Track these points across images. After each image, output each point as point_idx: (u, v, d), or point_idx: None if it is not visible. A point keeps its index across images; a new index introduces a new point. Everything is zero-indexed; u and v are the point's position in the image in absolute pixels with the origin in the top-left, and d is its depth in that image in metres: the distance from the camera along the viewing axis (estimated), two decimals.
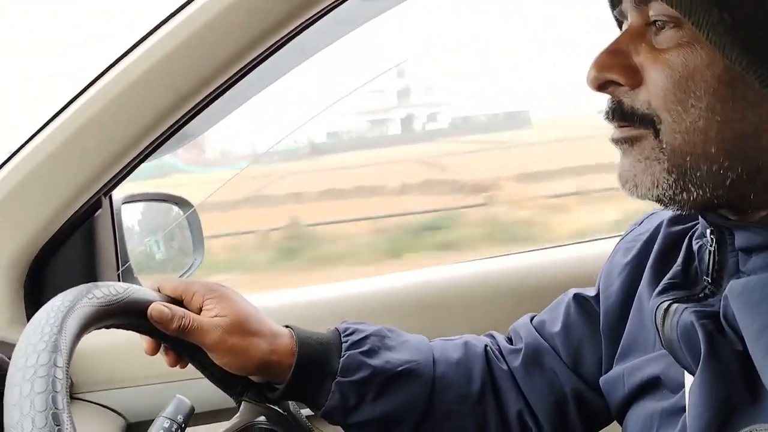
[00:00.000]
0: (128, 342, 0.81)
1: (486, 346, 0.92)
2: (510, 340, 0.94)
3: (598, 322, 0.85)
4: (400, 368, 0.85)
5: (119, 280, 1.22)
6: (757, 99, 0.57)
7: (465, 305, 1.24)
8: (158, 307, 0.76)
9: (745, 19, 0.55)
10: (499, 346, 0.93)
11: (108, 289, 0.73)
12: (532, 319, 0.94)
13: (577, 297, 0.89)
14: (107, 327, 0.74)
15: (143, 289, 0.79)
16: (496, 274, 1.28)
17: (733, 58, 0.56)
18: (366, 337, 0.86)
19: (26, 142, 1.07)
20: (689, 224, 0.75)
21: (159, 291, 0.81)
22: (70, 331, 0.65)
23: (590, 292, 0.89)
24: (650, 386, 0.74)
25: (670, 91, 0.59)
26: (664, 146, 0.61)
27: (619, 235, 0.89)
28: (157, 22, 1.01)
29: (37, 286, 1.14)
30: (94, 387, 1.15)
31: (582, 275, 1.16)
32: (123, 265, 1.23)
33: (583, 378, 0.87)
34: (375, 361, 0.84)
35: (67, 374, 0.62)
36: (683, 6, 0.57)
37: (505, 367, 0.90)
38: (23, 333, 0.64)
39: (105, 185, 1.09)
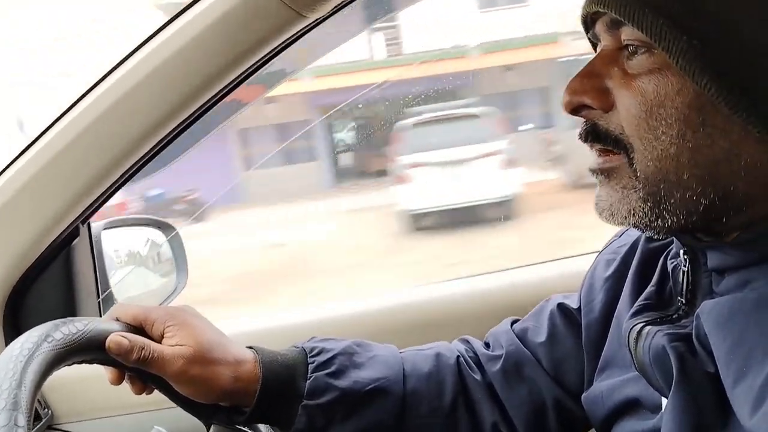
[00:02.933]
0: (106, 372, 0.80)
1: (458, 356, 0.91)
2: (487, 345, 0.93)
3: (581, 334, 0.85)
4: (368, 387, 0.84)
5: (99, 308, 1.20)
6: (726, 125, 0.58)
7: (454, 324, 1.23)
8: (116, 339, 0.74)
9: (714, 45, 0.56)
10: (475, 352, 0.92)
11: (68, 328, 0.71)
12: (512, 324, 0.93)
13: (562, 307, 0.89)
14: (69, 365, 0.72)
15: (102, 321, 0.77)
16: (485, 292, 1.28)
17: (702, 84, 0.57)
18: (333, 357, 0.84)
19: (2, 171, 1.06)
20: (666, 240, 0.75)
21: (118, 319, 0.79)
22: (29, 384, 0.63)
23: (573, 303, 0.89)
24: (629, 406, 0.73)
25: (641, 119, 0.60)
26: (639, 174, 0.61)
27: (597, 252, 0.89)
28: (128, 51, 1.00)
29: (16, 316, 1.13)
30: (73, 418, 1.14)
31: (565, 290, 1.16)
32: (103, 293, 1.22)
33: (565, 389, 0.86)
34: (343, 383, 0.83)
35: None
36: (654, 32, 0.58)
37: (478, 377, 0.89)
38: None
39: (82, 213, 1.08)
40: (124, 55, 1.02)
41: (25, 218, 1.06)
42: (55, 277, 1.14)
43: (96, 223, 1.22)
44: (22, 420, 0.60)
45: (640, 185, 0.61)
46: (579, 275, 0.89)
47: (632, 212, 0.62)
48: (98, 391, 1.15)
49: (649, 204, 0.61)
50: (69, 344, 0.70)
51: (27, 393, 0.62)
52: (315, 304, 1.37)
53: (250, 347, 0.84)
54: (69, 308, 1.15)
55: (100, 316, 1.20)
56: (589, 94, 0.63)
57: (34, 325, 0.70)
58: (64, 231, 1.10)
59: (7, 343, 1.10)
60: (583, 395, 0.82)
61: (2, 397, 0.61)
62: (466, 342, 0.95)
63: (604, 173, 0.64)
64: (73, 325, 0.72)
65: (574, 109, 0.65)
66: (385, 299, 1.32)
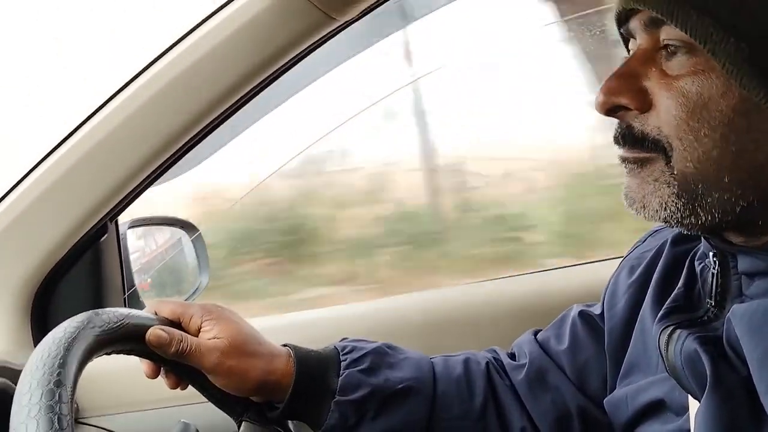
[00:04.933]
0: (133, 366, 0.81)
1: (488, 362, 0.91)
2: (513, 356, 0.93)
3: (603, 340, 0.84)
4: (400, 386, 0.84)
5: (125, 304, 1.22)
6: None
7: (469, 327, 1.24)
8: (156, 332, 0.76)
9: (763, 48, 0.55)
10: (501, 361, 0.92)
11: (108, 316, 0.73)
12: (535, 335, 0.93)
13: (583, 314, 0.89)
14: (108, 354, 0.74)
15: (142, 313, 0.79)
16: (499, 296, 1.28)
17: (750, 89, 0.55)
18: (365, 355, 0.85)
19: (32, 169, 1.08)
20: (692, 244, 0.74)
21: (156, 314, 0.81)
22: (73, 364, 0.64)
23: (596, 309, 0.88)
24: (654, 409, 0.73)
25: (683, 120, 0.58)
26: (675, 173, 0.60)
27: (620, 257, 0.89)
28: (162, 50, 1.02)
29: (43, 311, 1.15)
30: (99, 412, 1.15)
31: (585, 296, 1.15)
32: (129, 290, 1.23)
33: (588, 395, 0.86)
34: (374, 380, 0.83)
35: (71, 409, 0.61)
36: (699, 33, 0.56)
37: (507, 382, 0.89)
38: (26, 366, 0.64)
39: (110, 211, 1.10)
40: (155, 56, 1.03)
41: (54, 216, 1.08)
42: (83, 273, 1.15)
43: (122, 221, 1.24)
44: (65, 396, 0.61)
45: (676, 182, 0.60)
46: (599, 281, 0.89)
47: (664, 206, 0.60)
48: (124, 386, 1.16)
49: (683, 200, 0.59)
50: (110, 331, 0.71)
51: (71, 372, 0.63)
52: (329, 305, 1.37)
53: (285, 345, 0.85)
54: (96, 304, 1.16)
55: None
56: (626, 95, 0.62)
57: (62, 321, 0.71)
58: (92, 228, 1.12)
59: (35, 338, 1.13)
60: (606, 399, 0.82)
61: (46, 375, 0.62)
62: (493, 351, 0.95)
63: (637, 162, 0.62)
64: (114, 314, 0.73)
65: (610, 110, 0.63)
66: (398, 300, 1.33)
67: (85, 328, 0.69)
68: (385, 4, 0.96)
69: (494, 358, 0.93)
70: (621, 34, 0.67)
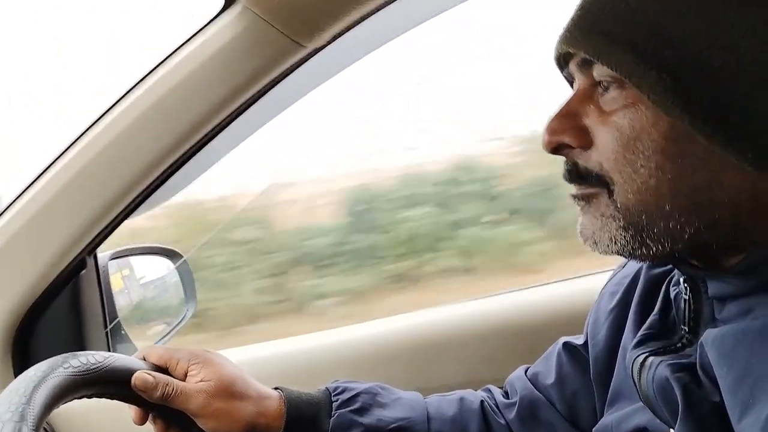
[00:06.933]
0: (119, 403, 0.81)
1: (482, 401, 0.91)
2: (506, 394, 0.94)
3: (589, 370, 0.84)
4: (393, 425, 0.84)
5: (107, 338, 1.21)
6: (705, 154, 0.57)
7: (457, 347, 1.23)
8: (142, 376, 0.77)
9: (684, 77, 0.55)
10: (495, 400, 0.93)
11: (87, 358, 0.73)
12: (526, 371, 0.94)
13: (567, 346, 0.89)
14: (89, 397, 0.74)
15: (126, 357, 0.79)
16: (486, 314, 1.27)
17: (675, 116, 0.56)
18: (356, 395, 0.85)
19: (8, 207, 1.07)
20: (668, 269, 0.74)
21: (144, 359, 0.82)
22: (39, 401, 0.65)
23: (579, 340, 0.89)
24: None
25: (619, 153, 0.60)
26: (618, 205, 0.60)
27: (610, 270, 0.88)
28: (129, 85, 1.02)
29: (25, 348, 1.14)
30: None
31: (572, 311, 1.15)
32: (111, 323, 1.22)
33: (579, 427, 0.86)
34: (366, 419, 0.84)
35: None
36: (623, 68, 0.57)
37: (502, 420, 0.89)
38: None
39: (88, 245, 1.09)
40: (125, 89, 1.03)
41: (31, 252, 1.08)
42: (63, 309, 1.14)
43: (102, 253, 1.23)
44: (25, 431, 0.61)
45: (620, 215, 0.60)
46: (586, 294, 0.89)
47: (614, 240, 0.61)
48: (110, 421, 1.15)
49: (630, 232, 0.60)
50: (86, 373, 0.71)
51: (35, 409, 0.63)
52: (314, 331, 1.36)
53: (276, 388, 0.86)
54: (77, 340, 1.15)
55: (108, 346, 1.21)
56: (567, 134, 0.63)
57: (44, 358, 0.71)
58: (71, 263, 1.11)
59: (16, 376, 1.12)
60: (594, 428, 0.81)
61: (10, 410, 0.62)
62: (488, 390, 0.96)
63: (585, 199, 0.63)
64: (94, 357, 0.74)
65: (555, 149, 0.65)
66: (385, 323, 1.32)
67: (59, 368, 0.69)
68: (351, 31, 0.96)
69: (489, 396, 0.94)
70: (564, 77, 0.69)
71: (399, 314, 1.35)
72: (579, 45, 0.61)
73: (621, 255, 0.62)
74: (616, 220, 0.61)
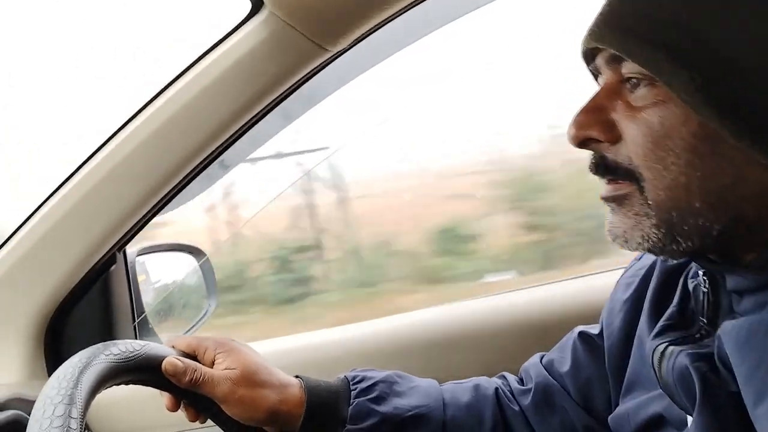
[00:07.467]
0: (148, 393, 0.84)
1: (497, 387, 0.93)
2: (521, 381, 0.95)
3: (604, 359, 0.86)
4: (409, 413, 0.87)
5: (135, 332, 1.25)
6: (733, 152, 0.58)
7: (472, 343, 1.25)
8: (172, 361, 0.80)
9: (715, 77, 0.56)
10: (510, 387, 0.94)
11: (125, 346, 0.77)
12: (542, 359, 0.95)
13: (583, 335, 0.91)
14: (126, 383, 0.78)
15: (159, 345, 0.82)
16: (501, 310, 1.29)
17: (705, 116, 0.57)
18: (374, 384, 0.88)
19: (42, 203, 1.11)
20: (684, 260, 0.75)
21: (174, 347, 0.85)
22: (85, 385, 0.68)
23: (594, 329, 0.90)
24: (655, 424, 0.74)
25: (649, 150, 0.60)
26: (650, 202, 0.61)
27: (622, 268, 0.90)
28: (163, 85, 1.05)
29: (56, 342, 1.18)
30: None
31: (586, 307, 1.16)
32: (139, 317, 1.26)
33: (593, 414, 0.88)
34: (384, 408, 0.86)
35: (81, 426, 0.65)
36: (654, 67, 0.58)
37: (516, 407, 0.91)
38: (43, 389, 0.68)
39: (118, 241, 1.13)
40: (158, 90, 1.06)
41: (65, 248, 1.12)
42: (94, 302, 1.18)
43: (130, 249, 1.27)
44: (75, 413, 0.64)
45: (653, 212, 0.61)
46: (600, 290, 0.89)
47: (646, 238, 0.62)
48: (138, 412, 1.18)
49: (662, 230, 0.61)
50: (125, 360, 0.75)
51: (82, 392, 0.67)
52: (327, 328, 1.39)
53: (296, 376, 0.88)
54: (107, 333, 1.19)
55: (136, 339, 1.24)
56: (595, 128, 0.64)
57: (76, 350, 0.75)
58: (101, 259, 1.15)
59: (49, 369, 1.16)
60: (610, 416, 0.83)
61: (60, 393, 0.66)
62: (503, 377, 0.97)
63: (616, 200, 0.64)
64: (131, 345, 0.77)
65: (582, 143, 0.65)
66: (401, 319, 1.34)
67: (101, 354, 0.73)
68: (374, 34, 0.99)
69: (503, 383, 0.95)
70: (590, 71, 0.69)
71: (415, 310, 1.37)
72: (608, 42, 0.62)
73: (651, 252, 0.63)
74: (649, 217, 0.61)
